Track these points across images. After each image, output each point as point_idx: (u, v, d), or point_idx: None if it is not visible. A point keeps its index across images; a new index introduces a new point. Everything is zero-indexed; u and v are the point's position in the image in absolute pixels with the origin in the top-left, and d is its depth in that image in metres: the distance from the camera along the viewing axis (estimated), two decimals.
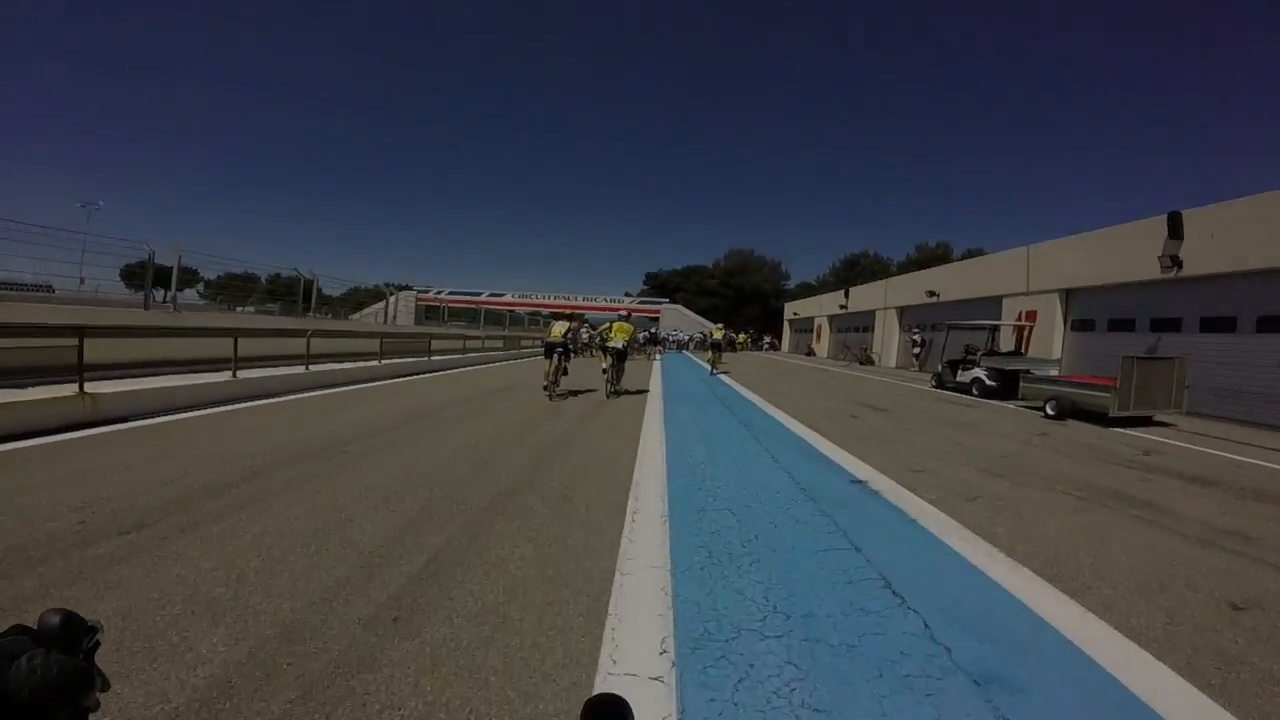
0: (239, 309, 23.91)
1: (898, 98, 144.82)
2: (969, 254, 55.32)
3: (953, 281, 25.49)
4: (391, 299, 35.98)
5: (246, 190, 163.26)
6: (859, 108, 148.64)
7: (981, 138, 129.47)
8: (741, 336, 48.64)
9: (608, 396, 12.60)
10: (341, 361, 14.48)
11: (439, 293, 53.37)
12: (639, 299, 69.51)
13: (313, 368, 12.13)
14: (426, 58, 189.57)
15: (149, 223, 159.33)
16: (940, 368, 18.53)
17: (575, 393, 13.37)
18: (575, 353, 18.10)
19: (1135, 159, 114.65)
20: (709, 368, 21.85)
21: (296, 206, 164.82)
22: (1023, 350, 19.76)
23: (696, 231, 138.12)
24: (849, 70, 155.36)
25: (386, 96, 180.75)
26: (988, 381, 16.18)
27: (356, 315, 27.35)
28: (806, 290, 70.52)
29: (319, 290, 23.00)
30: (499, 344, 27.74)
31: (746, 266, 78.51)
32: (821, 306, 42.92)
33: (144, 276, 14.38)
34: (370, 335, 16.99)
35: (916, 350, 26.79)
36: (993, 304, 22.74)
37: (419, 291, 53.61)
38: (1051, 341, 19.55)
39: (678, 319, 57.93)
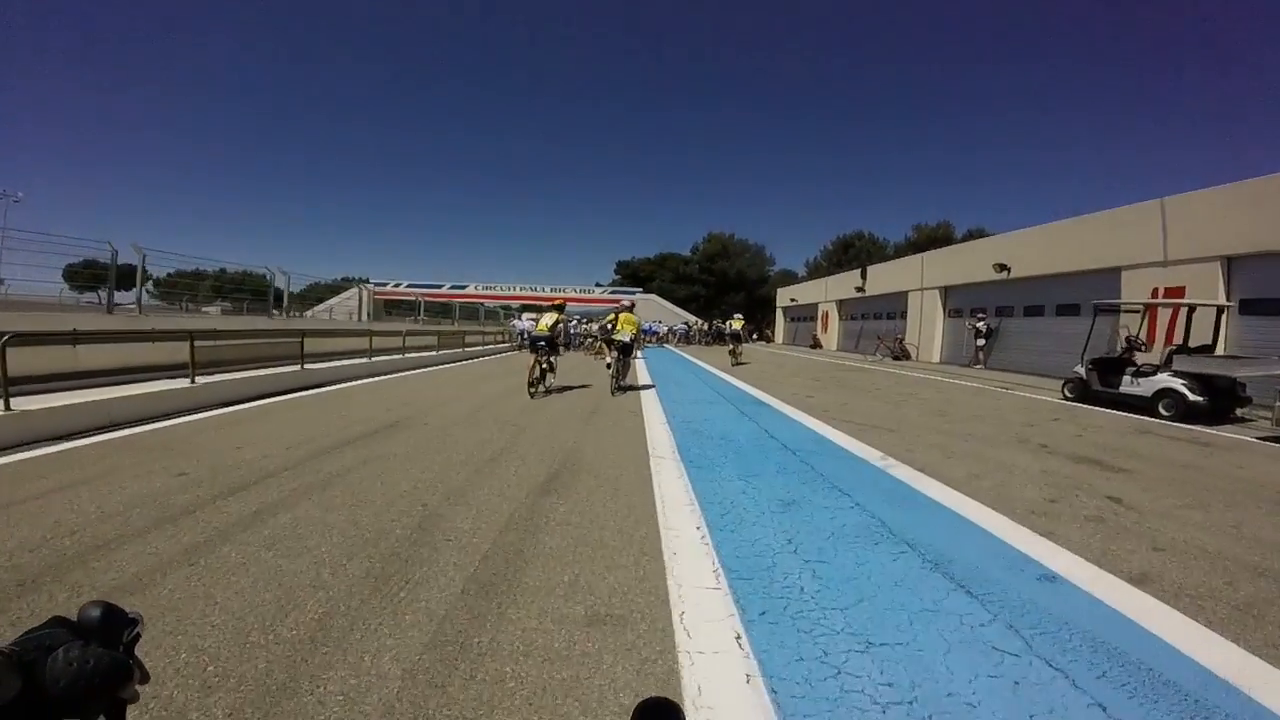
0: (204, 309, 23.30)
1: (884, 73, 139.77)
2: (970, 235, 50.02)
3: (1033, 250, 19.23)
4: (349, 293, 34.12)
5: (188, 182, 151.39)
6: (842, 84, 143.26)
7: (979, 113, 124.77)
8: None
9: (613, 393, 11.65)
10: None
11: (397, 285, 50.86)
12: (610, 289, 64.08)
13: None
14: (378, 45, 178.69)
15: (78, 216, 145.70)
16: (1082, 369, 12.29)
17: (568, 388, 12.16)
18: (566, 346, 17.23)
19: (1150, 133, 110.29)
20: (703, 363, 19.12)
21: (245, 199, 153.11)
22: (1182, 343, 13.53)
23: (670, 218, 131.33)
24: (831, 44, 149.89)
25: (340, 86, 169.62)
26: (1191, 396, 9.92)
27: (309, 313, 24.51)
28: (788, 279, 64.77)
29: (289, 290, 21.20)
30: (433, 339, 20.77)
31: (727, 251, 72.12)
32: (827, 290, 36.66)
33: (93, 277, 14.53)
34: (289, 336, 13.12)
35: (981, 341, 20.52)
36: (1103, 280, 16.56)
37: (376, 285, 50.45)
38: (1206, 328, 13.39)
39: (655, 310, 51.72)
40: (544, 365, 11.16)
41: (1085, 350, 12.58)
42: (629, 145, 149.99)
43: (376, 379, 13.43)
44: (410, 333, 19.30)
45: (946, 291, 24.03)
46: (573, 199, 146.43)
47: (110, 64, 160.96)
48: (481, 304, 48.85)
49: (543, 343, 11.09)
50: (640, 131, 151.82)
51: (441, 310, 44.49)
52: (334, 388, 11.40)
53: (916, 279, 25.46)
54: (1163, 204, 15.34)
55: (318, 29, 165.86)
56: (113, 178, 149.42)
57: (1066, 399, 12.40)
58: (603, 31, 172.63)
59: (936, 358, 24.07)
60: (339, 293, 40.91)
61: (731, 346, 20.23)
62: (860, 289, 30.45)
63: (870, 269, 30.71)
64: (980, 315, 20.91)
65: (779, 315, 49.63)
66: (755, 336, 48.56)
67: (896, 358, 24.43)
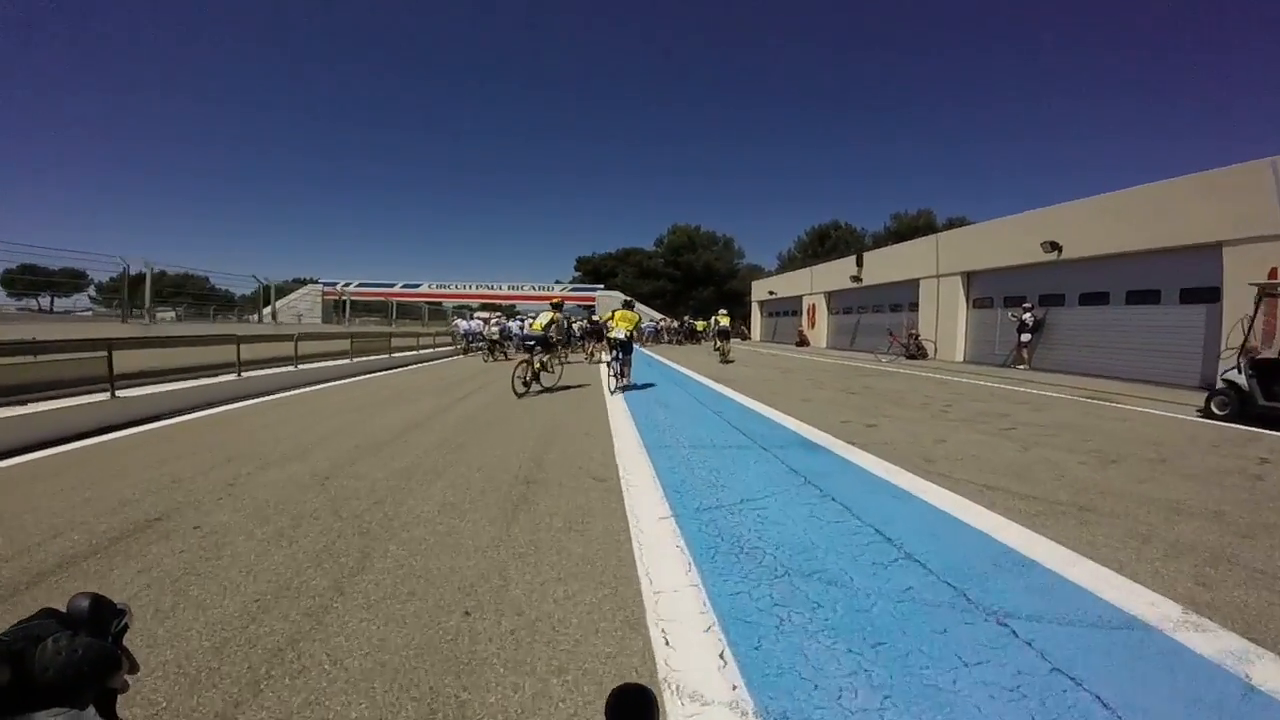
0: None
1: (853, 61, 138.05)
2: (951, 223, 47.39)
3: (1092, 225, 15.77)
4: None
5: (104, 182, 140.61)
6: (809, 74, 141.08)
7: (956, 101, 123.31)
8: (701, 324, 38.63)
9: (611, 392, 11.09)
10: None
11: (347, 285, 48.41)
12: (570, 286, 61.06)
13: None
14: (322, 36, 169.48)
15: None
16: (1239, 375, 8.65)
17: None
18: (566, 345, 18.27)
19: (1131, 119, 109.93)
20: (682, 368, 16.44)
21: (196, 200, 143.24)
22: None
23: (632, 214, 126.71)
24: (796, 32, 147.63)
25: (285, 80, 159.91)
26: None
27: (265, 310, 22.74)
28: (756, 273, 61.47)
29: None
30: (345, 344, 16.49)
31: (694, 243, 68.53)
32: (814, 281, 33.09)
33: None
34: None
35: (1026, 337, 16.99)
36: (1194, 259, 13.22)
37: (325, 285, 48.96)
38: None
39: (617, 306, 47.32)
40: (535, 366, 11.13)
41: (1242, 349, 8.98)
42: (589, 139, 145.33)
43: (218, 409, 8.99)
44: (304, 336, 14.78)
45: (970, 278, 20.53)
46: (532, 195, 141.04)
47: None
48: (424, 303, 45.22)
49: (533, 342, 11.08)
50: (600, 125, 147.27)
51: (400, 310, 42.17)
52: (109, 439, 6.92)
53: (930, 264, 21.92)
54: (1274, 163, 11.98)
55: (252, 17, 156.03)
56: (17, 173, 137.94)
57: (1215, 417, 8.76)
58: (558, 22, 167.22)
59: (960, 356, 20.56)
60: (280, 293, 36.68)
61: (718, 344, 19.64)
62: (856, 278, 26.88)
63: (868, 255, 27.19)
64: (1025, 305, 17.37)
65: (755, 310, 46.04)
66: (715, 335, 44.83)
67: (912, 356, 20.84)
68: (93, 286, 21.07)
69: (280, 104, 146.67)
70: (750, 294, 48.63)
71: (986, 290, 19.94)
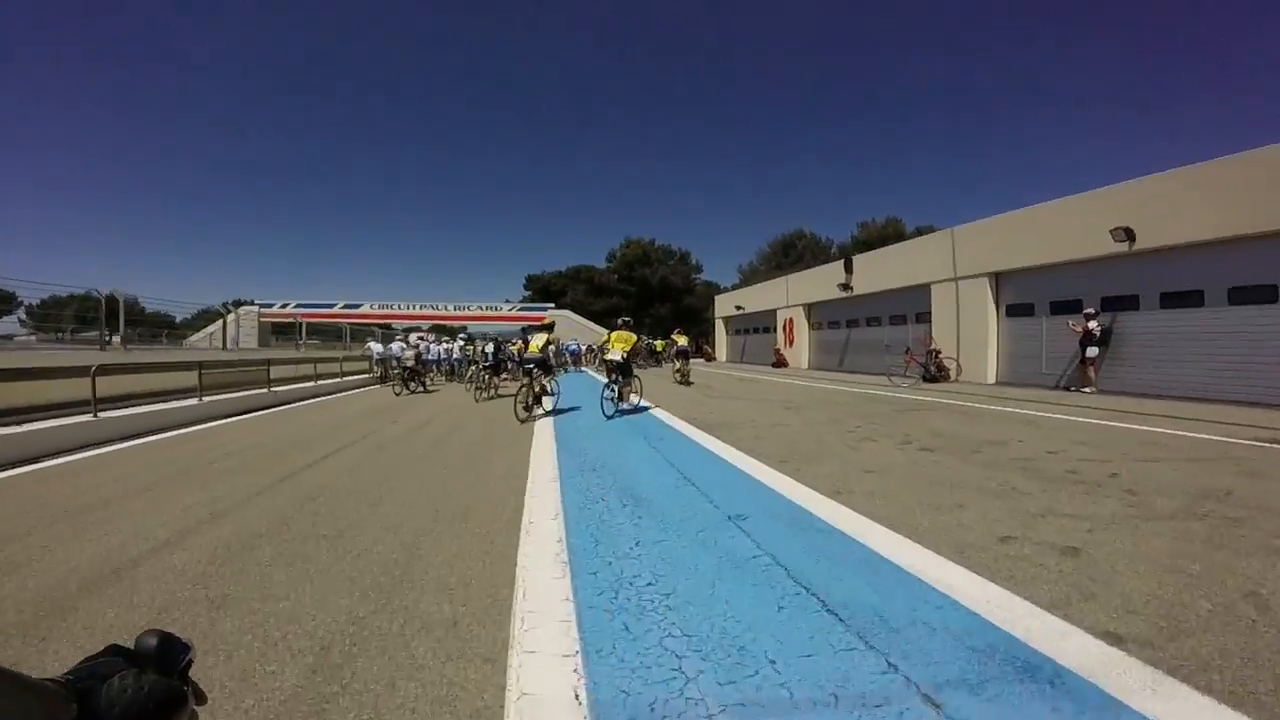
0: None
1: (801, 70, 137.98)
2: (920, 231, 44.80)
3: (1179, 206, 12.10)
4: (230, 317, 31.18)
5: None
6: (768, 81, 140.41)
7: (911, 110, 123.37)
8: (660, 343, 34.49)
9: (608, 417, 10.22)
10: None
11: (284, 305, 47.49)
12: (520, 306, 57.26)
13: None
14: (263, 47, 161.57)
15: None
16: None
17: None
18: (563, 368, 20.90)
19: (1105, 121, 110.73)
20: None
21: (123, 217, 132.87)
22: None
23: (583, 229, 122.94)
24: (741, 40, 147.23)
25: (222, 94, 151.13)
26: None
27: (195, 337, 22.71)
28: (711, 289, 57.99)
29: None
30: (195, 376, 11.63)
31: (648, 258, 64.70)
32: (791, 293, 29.19)
33: None
34: None
35: (1093, 351, 13.21)
36: None
37: (262, 306, 47.34)
38: None
39: (570, 327, 43.86)
40: (536, 389, 11.13)
41: None
42: (537, 152, 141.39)
43: None
44: (122, 368, 9.89)
45: (999, 280, 16.74)
46: (480, 212, 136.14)
47: None
48: (345, 324, 40.72)
49: (532, 365, 11.21)
50: (548, 139, 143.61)
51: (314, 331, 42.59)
52: None
53: (944, 265, 18.12)
54: None
55: (188, 27, 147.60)
56: None
57: None
58: (504, 34, 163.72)
59: (991, 375, 16.69)
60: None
61: (677, 365, 18.88)
62: (846, 286, 22.96)
63: (860, 259, 23.31)
64: (1089, 312, 13.54)
65: (719, 328, 42.08)
66: (676, 354, 40.67)
67: (931, 378, 16.82)
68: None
69: (215, 117, 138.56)
70: (712, 310, 44.75)
71: (1023, 294, 16.15)
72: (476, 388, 14.69)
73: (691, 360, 39.42)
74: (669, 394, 14.55)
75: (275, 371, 17.23)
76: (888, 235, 48.32)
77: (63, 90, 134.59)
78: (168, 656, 0.64)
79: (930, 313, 18.79)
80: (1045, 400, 12.03)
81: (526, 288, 69.03)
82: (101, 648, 0.63)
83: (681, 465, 6.18)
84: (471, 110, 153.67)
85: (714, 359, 41.53)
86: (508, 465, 6.46)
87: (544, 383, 11.34)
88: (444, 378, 22.34)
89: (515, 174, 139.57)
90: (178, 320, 47.38)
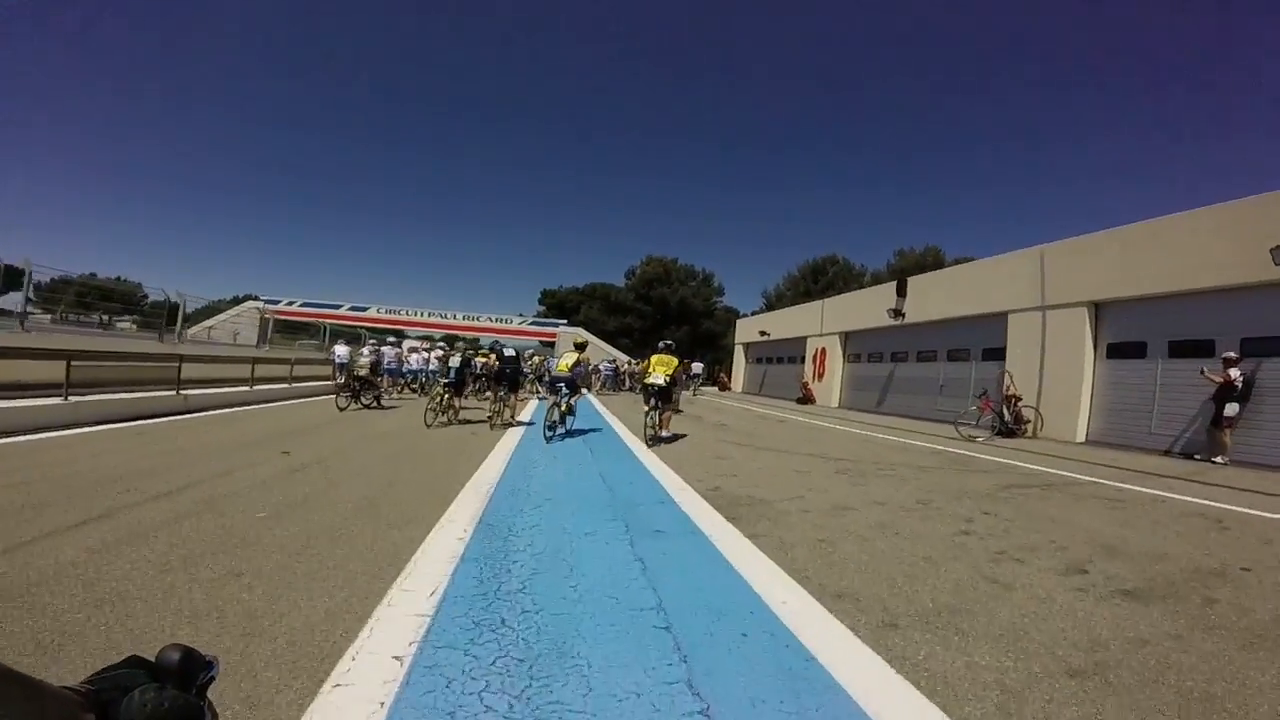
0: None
1: (835, 101, 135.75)
2: (957, 262, 41.61)
3: None
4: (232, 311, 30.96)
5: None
6: (798, 106, 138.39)
7: (961, 135, 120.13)
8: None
9: (649, 445, 9.90)
10: None
11: (290, 303, 47.00)
12: (531, 320, 55.47)
13: None
14: (293, 53, 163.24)
15: None
16: None
17: None
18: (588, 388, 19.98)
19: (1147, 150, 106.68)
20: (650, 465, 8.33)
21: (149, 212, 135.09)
22: None
23: (604, 247, 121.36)
24: (788, 60, 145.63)
25: (250, 89, 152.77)
26: None
27: (194, 330, 19.82)
28: (730, 315, 54.89)
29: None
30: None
31: (669, 276, 61.84)
32: (826, 319, 25.97)
33: None
34: None
35: (1233, 409, 10.13)
36: None
37: (267, 303, 45.18)
38: None
39: (569, 347, 40.51)
40: (563, 408, 10.80)
41: None
42: (562, 167, 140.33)
43: None
44: None
45: (1099, 311, 13.51)
46: (498, 226, 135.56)
47: None
48: (325, 323, 38.58)
49: (562, 384, 10.96)
50: (575, 155, 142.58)
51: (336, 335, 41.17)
52: None
53: (1029, 291, 14.89)
54: None
55: (221, 28, 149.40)
56: None
57: None
58: (534, 45, 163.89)
59: (1081, 432, 13.39)
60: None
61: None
62: (897, 313, 19.72)
63: (916, 281, 20.11)
64: (1229, 356, 10.32)
65: (738, 355, 38.91)
66: (706, 381, 37.52)
67: (1007, 432, 13.49)
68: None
69: (242, 115, 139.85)
70: (731, 335, 41.69)
71: (1132, 329, 12.91)
72: (429, 409, 11.71)
73: (703, 389, 37.30)
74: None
75: (201, 371, 14.53)
76: (926, 264, 45.04)
77: (76, 86, 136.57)
78: (189, 671, 0.64)
79: (1004, 349, 15.51)
80: (1180, 476, 8.81)
81: (541, 302, 67.11)
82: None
83: (688, 633, 3.00)
84: (500, 123, 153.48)
85: (729, 388, 38.33)
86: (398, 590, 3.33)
87: (569, 402, 11.03)
88: (419, 391, 19.56)
89: (538, 188, 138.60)
90: (189, 310, 46.41)
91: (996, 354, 15.93)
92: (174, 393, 11.78)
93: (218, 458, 7.00)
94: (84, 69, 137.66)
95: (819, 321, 26.37)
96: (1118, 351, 13.21)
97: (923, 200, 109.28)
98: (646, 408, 10.75)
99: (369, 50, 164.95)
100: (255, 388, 14.91)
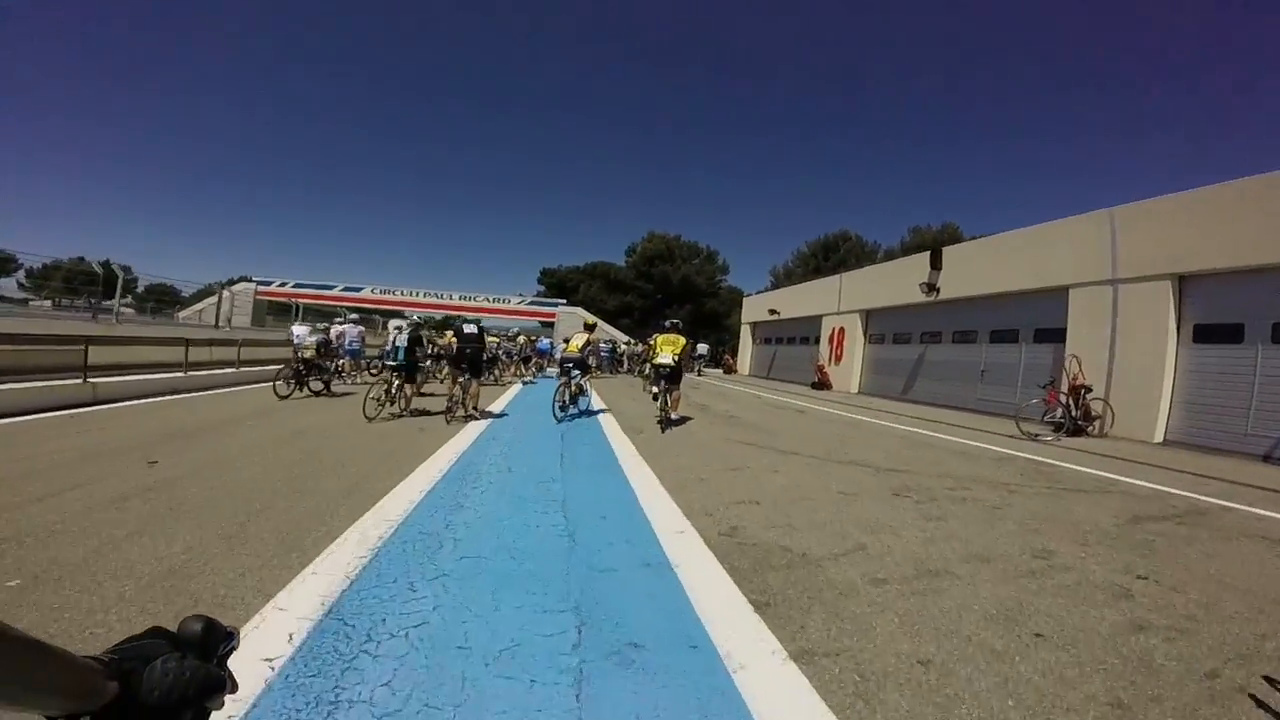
0: None
1: (845, 78, 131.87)
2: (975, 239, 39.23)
3: None
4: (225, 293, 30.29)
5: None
6: (810, 84, 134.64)
7: (958, 115, 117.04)
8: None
9: (662, 429, 9.60)
10: None
11: (283, 284, 46.95)
12: (530, 300, 54.07)
13: None
14: (296, 38, 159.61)
15: None
16: None
17: None
18: (599, 368, 20.02)
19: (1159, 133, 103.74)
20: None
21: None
22: None
23: (605, 226, 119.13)
24: (795, 34, 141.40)
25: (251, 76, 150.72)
26: None
27: (185, 312, 21.24)
28: (735, 295, 52.62)
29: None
30: None
31: (671, 253, 59.40)
32: (845, 295, 23.78)
33: None
34: None
35: None
36: None
37: (260, 284, 46.74)
38: None
39: (576, 325, 38.65)
40: (573, 389, 10.92)
41: None
42: (564, 152, 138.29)
43: None
44: None
45: (1183, 286, 11.36)
46: (499, 203, 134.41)
47: None
48: (297, 303, 39.58)
49: (571, 365, 10.98)
50: (578, 138, 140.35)
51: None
52: None
53: (1096, 261, 12.65)
54: None
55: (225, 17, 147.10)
56: None
57: None
58: (533, 26, 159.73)
59: (1159, 431, 11.31)
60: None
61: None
62: (930, 288, 17.51)
63: (952, 251, 17.84)
64: None
65: (745, 335, 36.76)
66: (709, 363, 35.44)
67: (1075, 430, 11.36)
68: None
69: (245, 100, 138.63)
70: (736, 316, 39.60)
71: (1226, 309, 10.78)
72: (371, 398, 9.69)
73: (706, 371, 35.29)
74: (677, 427, 9.44)
75: (117, 356, 12.53)
76: (944, 241, 42.50)
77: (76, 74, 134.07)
78: (210, 642, 0.65)
79: (1064, 330, 13.34)
80: None
81: (540, 281, 65.46)
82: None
83: None
84: (501, 104, 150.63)
85: (734, 371, 36.24)
86: None
87: (580, 383, 11.15)
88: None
89: (539, 168, 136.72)
90: (184, 294, 47.76)
91: (1053, 336, 13.77)
92: (80, 381, 9.83)
93: (62, 471, 5.10)
94: (64, 55, 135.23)
95: (836, 298, 24.14)
96: (1207, 335, 11.06)
97: (938, 178, 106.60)
98: (655, 389, 10.66)
99: (366, 34, 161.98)
100: (191, 373, 12.99)
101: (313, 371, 12.52)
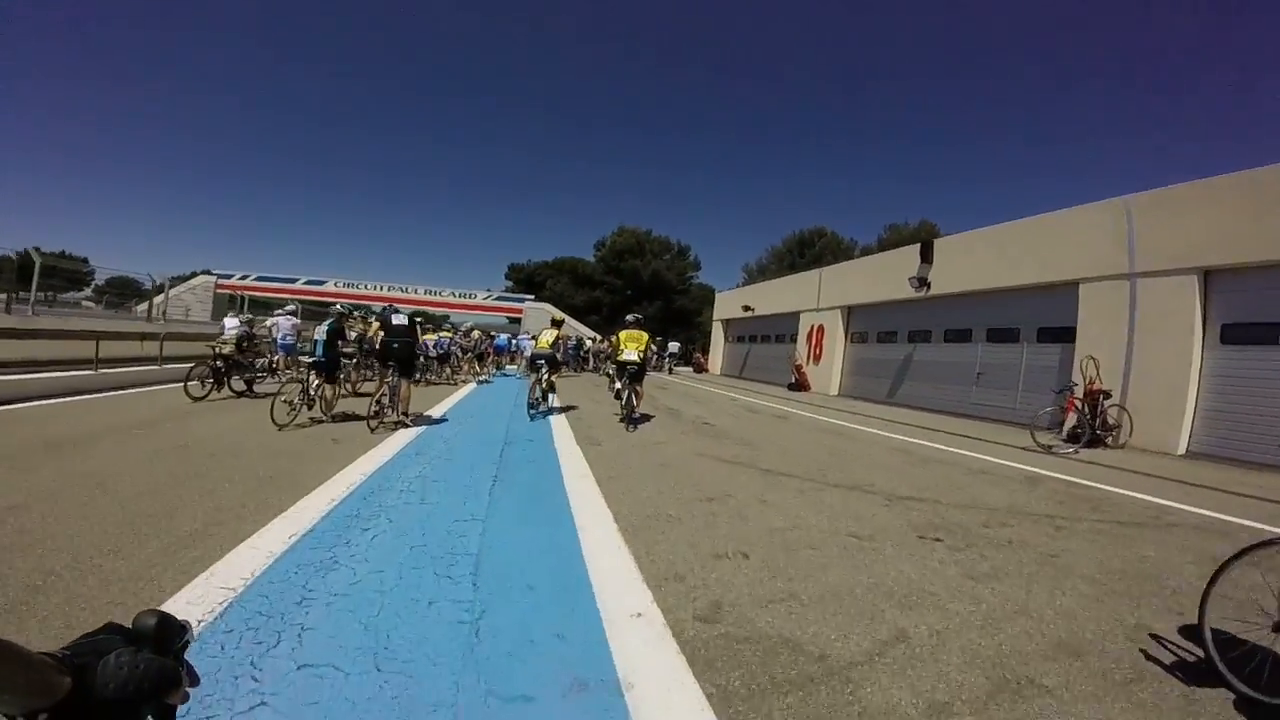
0: None
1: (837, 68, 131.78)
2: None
3: None
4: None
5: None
6: (794, 71, 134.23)
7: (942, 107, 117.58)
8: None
9: (627, 428, 9.61)
10: None
11: (244, 277, 45.13)
12: (496, 296, 52.09)
13: None
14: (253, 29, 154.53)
15: None
16: None
17: None
18: (567, 365, 20.26)
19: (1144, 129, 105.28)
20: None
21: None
22: None
23: (576, 226, 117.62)
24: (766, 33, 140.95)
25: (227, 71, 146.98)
26: None
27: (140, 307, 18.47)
28: (708, 293, 51.72)
29: None
30: None
31: (642, 247, 58.05)
32: (825, 291, 22.67)
33: None
34: None
35: None
36: None
37: (220, 276, 44.83)
38: None
39: (543, 321, 37.19)
40: (544, 386, 10.84)
41: None
42: (533, 148, 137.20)
43: None
44: None
45: (1209, 281, 10.37)
46: (467, 203, 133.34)
47: None
48: (244, 295, 37.40)
49: (542, 361, 10.90)
50: (548, 135, 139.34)
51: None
52: None
53: (1111, 253, 11.53)
54: None
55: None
56: None
57: None
58: (503, 19, 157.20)
59: (1181, 443, 10.32)
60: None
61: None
62: (921, 281, 16.41)
63: (944, 243, 16.76)
64: None
65: (717, 332, 35.62)
66: (680, 362, 34.16)
67: (1093, 440, 10.24)
68: None
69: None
70: (707, 314, 38.48)
71: (1260, 307, 9.77)
72: (284, 400, 8.18)
73: (677, 370, 34.05)
74: (631, 433, 8.11)
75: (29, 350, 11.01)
76: (921, 239, 42.00)
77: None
78: (164, 636, 0.65)
79: (1072, 328, 12.29)
80: None
81: (508, 277, 64.29)
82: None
83: None
84: (471, 99, 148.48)
85: (706, 369, 35.08)
86: None
87: (550, 379, 11.19)
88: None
89: (508, 165, 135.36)
90: (147, 286, 44.76)
91: (1059, 335, 12.76)
92: None
93: None
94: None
95: (815, 294, 23.02)
96: (1237, 335, 10.07)
97: (913, 176, 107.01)
98: (619, 385, 10.61)
99: (335, 28, 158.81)
100: (104, 371, 11.40)
101: (235, 369, 10.94)
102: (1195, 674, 2.71)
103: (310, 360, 8.89)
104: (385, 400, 8.44)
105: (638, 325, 10.35)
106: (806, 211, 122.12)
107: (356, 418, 8.78)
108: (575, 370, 25.85)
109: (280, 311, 14.59)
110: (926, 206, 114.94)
